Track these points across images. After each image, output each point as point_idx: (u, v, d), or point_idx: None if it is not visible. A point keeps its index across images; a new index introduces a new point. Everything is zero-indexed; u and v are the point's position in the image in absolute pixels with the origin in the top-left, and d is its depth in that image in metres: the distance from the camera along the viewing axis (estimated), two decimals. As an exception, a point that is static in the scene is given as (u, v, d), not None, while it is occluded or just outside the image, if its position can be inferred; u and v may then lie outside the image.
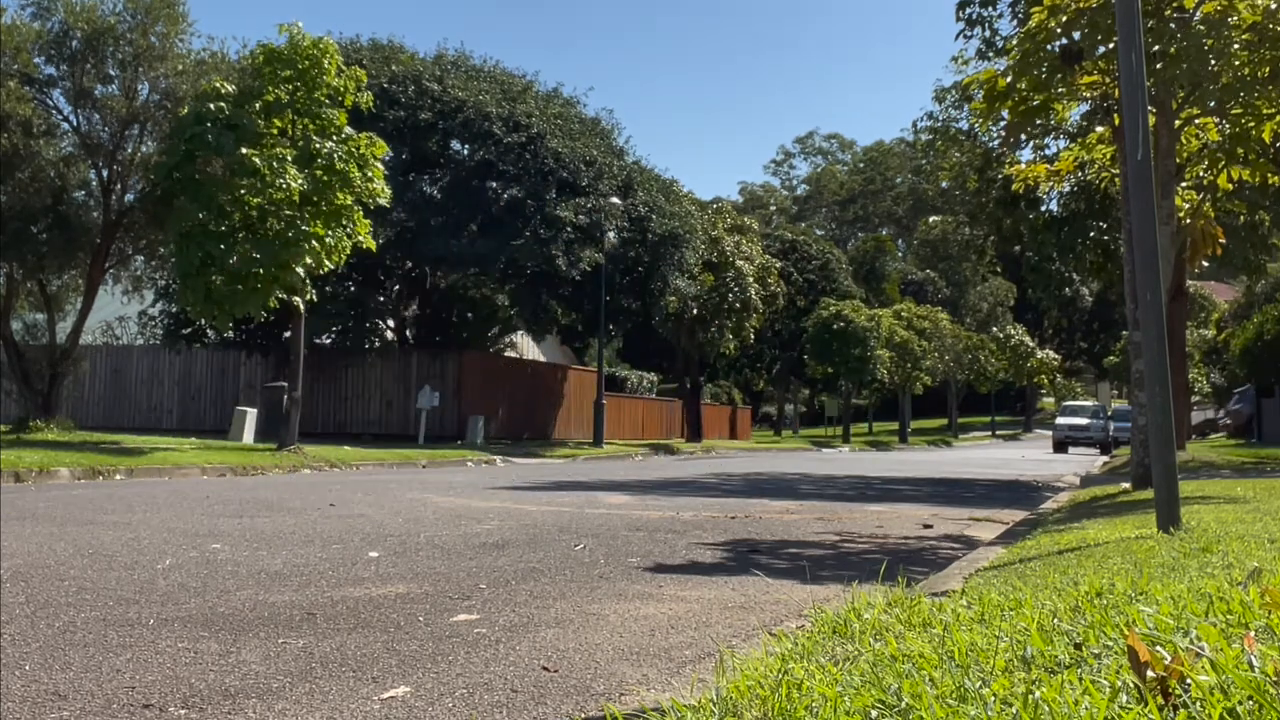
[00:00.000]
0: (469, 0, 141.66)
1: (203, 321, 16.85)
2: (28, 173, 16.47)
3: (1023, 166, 11.84)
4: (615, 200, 25.19)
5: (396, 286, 28.06)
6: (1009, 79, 9.11)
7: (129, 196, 17.79)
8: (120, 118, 16.97)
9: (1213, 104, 9.22)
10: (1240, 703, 1.40)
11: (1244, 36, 8.44)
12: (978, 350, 57.70)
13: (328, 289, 21.08)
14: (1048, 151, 15.13)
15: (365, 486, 10.01)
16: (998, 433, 65.31)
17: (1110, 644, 1.90)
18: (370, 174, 15.63)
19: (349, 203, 15.44)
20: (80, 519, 6.11)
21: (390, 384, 26.29)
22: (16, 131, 15.97)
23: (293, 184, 14.43)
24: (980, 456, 30.41)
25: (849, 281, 54.99)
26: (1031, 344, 61.36)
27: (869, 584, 3.36)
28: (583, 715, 2.21)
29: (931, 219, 75.88)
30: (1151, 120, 8.20)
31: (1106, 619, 2.14)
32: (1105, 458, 28.65)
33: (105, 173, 17.40)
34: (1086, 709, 1.44)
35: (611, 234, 25.07)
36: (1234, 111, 9.23)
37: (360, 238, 15.78)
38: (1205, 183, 10.73)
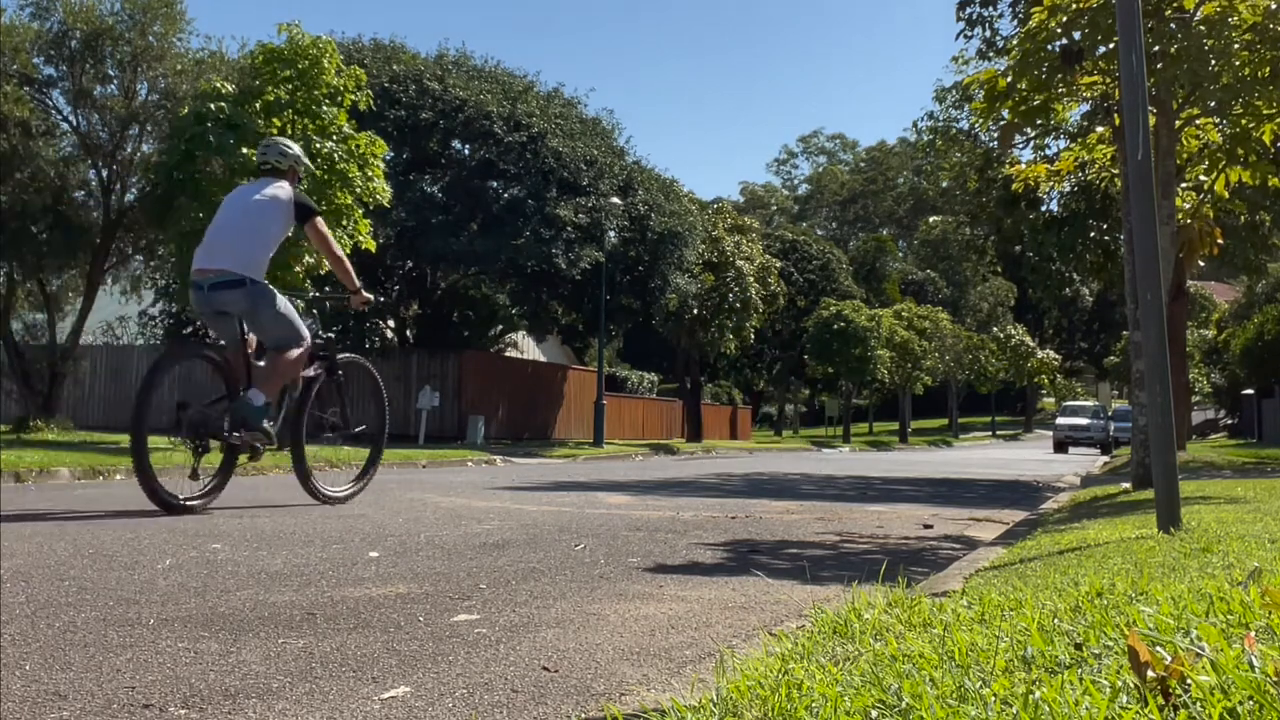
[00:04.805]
0: (470, 0, 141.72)
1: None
2: (27, 173, 16.47)
3: (1023, 166, 11.84)
4: (615, 200, 25.18)
5: (397, 286, 28.05)
6: (1009, 79, 9.11)
7: (129, 196, 17.79)
8: (120, 118, 16.96)
9: (1213, 104, 9.22)
10: (1240, 703, 1.40)
11: (1244, 37, 8.44)
12: (978, 350, 57.71)
13: (328, 289, 21.06)
14: (1048, 151, 15.14)
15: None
16: (998, 433, 65.33)
17: (1110, 644, 1.90)
18: (370, 174, 15.61)
19: (349, 202, 15.42)
20: (80, 519, 6.11)
21: (390, 384, 26.26)
22: (16, 132, 15.98)
23: (293, 184, 14.42)
24: (980, 457, 30.40)
25: (849, 281, 55.03)
26: (1031, 344, 61.39)
27: (869, 584, 3.36)
28: (583, 715, 2.21)
29: (932, 219, 75.89)
30: (1152, 120, 8.19)
31: (1107, 619, 2.14)
32: (1105, 458, 28.63)
33: (105, 173, 17.40)
34: (1086, 709, 1.44)
35: (612, 233, 25.07)
36: (1234, 112, 9.23)
37: (360, 238, 15.76)
38: (1205, 185, 10.73)
